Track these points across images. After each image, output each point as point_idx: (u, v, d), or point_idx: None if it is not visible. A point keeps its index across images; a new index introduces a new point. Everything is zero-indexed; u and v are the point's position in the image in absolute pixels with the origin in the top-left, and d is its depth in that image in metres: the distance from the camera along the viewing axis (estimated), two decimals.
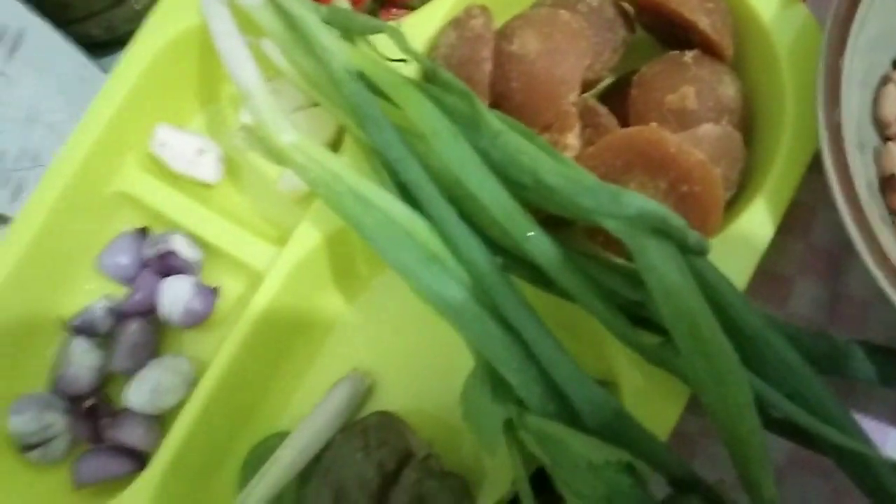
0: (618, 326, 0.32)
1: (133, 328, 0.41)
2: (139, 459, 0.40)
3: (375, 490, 0.35)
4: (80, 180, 0.40)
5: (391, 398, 0.41)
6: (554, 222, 0.33)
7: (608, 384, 0.35)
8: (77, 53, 0.46)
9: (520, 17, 0.37)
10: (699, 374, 0.29)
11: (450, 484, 0.36)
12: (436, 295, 0.33)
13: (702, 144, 0.34)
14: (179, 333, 0.43)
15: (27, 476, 0.40)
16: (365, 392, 0.40)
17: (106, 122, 0.40)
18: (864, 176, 0.33)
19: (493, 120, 0.32)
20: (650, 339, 0.33)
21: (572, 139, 0.35)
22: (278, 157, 0.36)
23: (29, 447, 0.39)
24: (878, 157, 0.35)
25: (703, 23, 0.35)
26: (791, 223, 0.36)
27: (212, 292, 0.42)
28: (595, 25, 0.37)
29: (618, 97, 0.38)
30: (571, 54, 0.35)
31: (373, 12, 0.44)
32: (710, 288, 0.30)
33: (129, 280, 0.42)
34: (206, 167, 0.43)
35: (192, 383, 0.40)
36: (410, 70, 0.37)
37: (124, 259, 0.42)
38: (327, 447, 0.38)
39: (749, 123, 0.38)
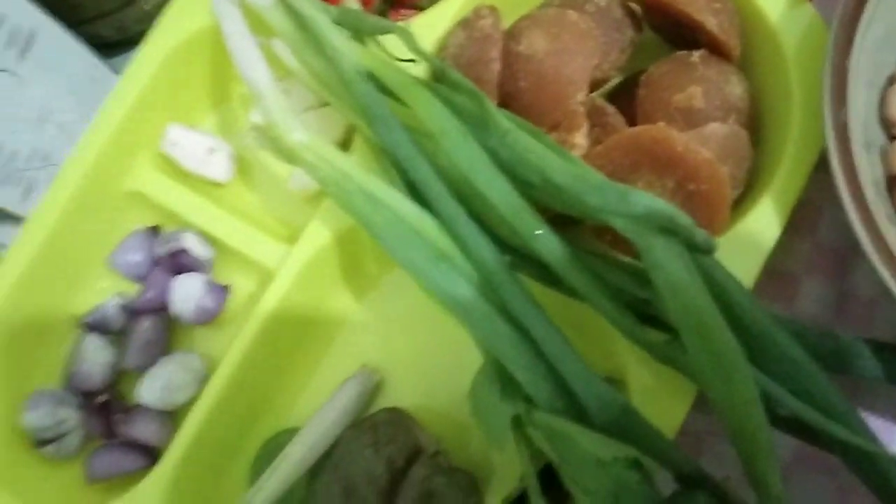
0: (625, 324, 0.33)
1: (145, 325, 0.41)
2: (151, 455, 0.40)
3: (384, 486, 0.35)
4: (92, 179, 0.40)
5: (400, 395, 0.41)
6: (561, 221, 0.33)
7: (616, 382, 0.35)
8: (88, 54, 0.46)
9: (528, 18, 0.37)
10: (706, 372, 0.29)
11: (458, 480, 0.36)
12: (444, 293, 0.33)
13: (709, 143, 0.34)
14: (191, 331, 0.43)
15: (41, 470, 0.40)
16: (374, 389, 0.40)
17: (118, 122, 0.40)
18: (870, 175, 0.33)
19: (502, 119, 0.32)
20: (657, 336, 0.33)
21: (580, 138, 0.35)
22: (289, 156, 0.36)
23: (43, 442, 0.40)
24: (884, 157, 0.35)
25: (711, 23, 0.36)
26: (798, 222, 0.36)
27: (223, 290, 0.42)
28: (603, 25, 0.37)
29: (625, 97, 0.38)
30: (579, 54, 0.35)
31: (382, 13, 0.44)
32: (717, 286, 0.30)
33: (141, 278, 0.43)
34: (217, 166, 0.43)
35: (204, 380, 0.40)
36: (419, 70, 0.38)
37: (136, 257, 0.43)
38: (337, 443, 0.38)
39: (756, 123, 0.38)
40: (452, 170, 0.33)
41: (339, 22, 0.36)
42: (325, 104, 0.42)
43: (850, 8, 0.33)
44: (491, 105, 0.33)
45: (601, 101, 0.37)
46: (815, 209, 0.39)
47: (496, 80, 0.36)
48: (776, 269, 0.38)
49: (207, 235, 0.42)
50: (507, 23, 0.38)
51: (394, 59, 0.37)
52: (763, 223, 0.35)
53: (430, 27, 0.39)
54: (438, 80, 0.36)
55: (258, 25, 0.37)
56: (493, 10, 0.37)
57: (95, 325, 0.41)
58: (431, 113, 0.33)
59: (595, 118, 0.36)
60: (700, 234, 0.29)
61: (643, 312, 0.33)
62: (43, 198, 0.40)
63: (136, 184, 0.42)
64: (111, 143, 0.40)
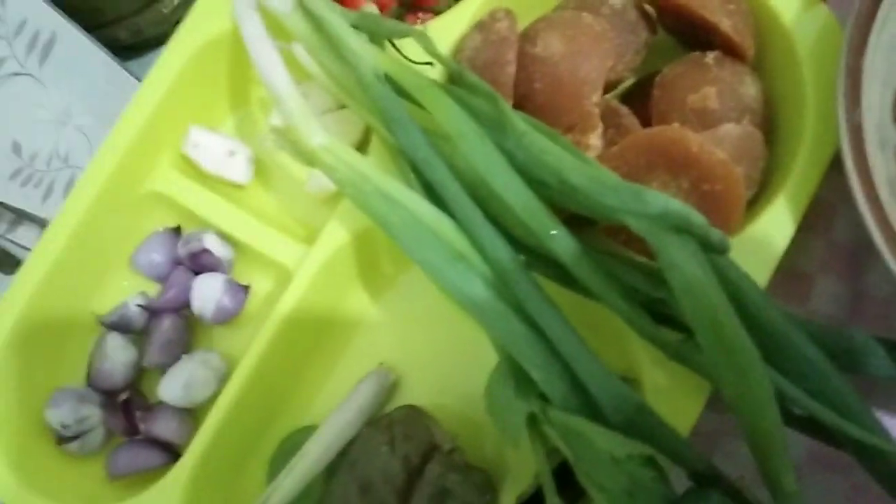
0: (640, 323, 0.33)
1: (166, 324, 0.42)
2: (172, 452, 0.41)
3: (401, 484, 0.36)
4: (115, 180, 0.41)
5: (416, 393, 0.41)
6: (576, 222, 0.33)
7: (630, 381, 0.35)
8: (106, 57, 0.47)
9: (543, 20, 0.38)
10: (721, 370, 0.30)
11: (473, 478, 0.36)
12: (461, 292, 0.34)
13: (723, 144, 0.34)
14: (210, 330, 0.43)
15: (64, 467, 0.41)
16: (390, 387, 0.41)
17: (141, 124, 0.41)
18: (884, 174, 0.33)
19: (518, 121, 0.33)
20: (672, 336, 0.33)
21: (595, 139, 0.35)
22: (308, 158, 0.37)
23: (66, 439, 0.40)
24: None
25: (725, 24, 0.36)
26: (812, 221, 0.36)
27: (242, 290, 0.42)
28: (617, 27, 0.38)
29: (640, 98, 0.38)
30: (594, 56, 0.36)
31: (399, 16, 0.45)
32: (732, 285, 0.31)
33: (162, 278, 0.43)
34: (237, 168, 0.43)
35: (223, 378, 0.41)
36: (436, 73, 0.38)
37: (158, 257, 0.43)
38: (354, 441, 0.38)
39: (770, 123, 0.38)
40: (469, 171, 0.34)
41: (357, 26, 0.36)
42: (343, 107, 0.42)
43: (865, 8, 0.33)
44: (507, 107, 0.33)
45: (615, 103, 0.38)
46: (829, 208, 0.39)
47: (512, 82, 0.36)
48: (790, 269, 0.38)
49: (227, 236, 0.43)
50: (522, 25, 0.38)
51: (411, 63, 0.37)
52: (777, 223, 0.35)
53: (446, 30, 0.39)
54: (455, 82, 0.36)
55: (277, 30, 0.37)
56: (508, 12, 0.38)
57: (117, 325, 0.42)
58: (448, 115, 0.34)
59: (609, 119, 0.37)
60: (715, 234, 0.29)
61: (658, 312, 0.33)
62: (66, 199, 0.40)
63: (157, 185, 0.43)
64: (134, 145, 0.41)
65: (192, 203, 0.43)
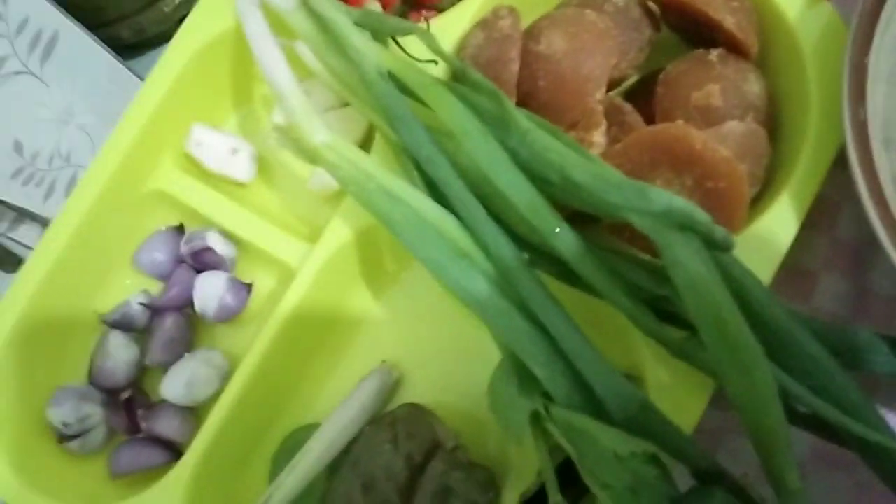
0: (643, 321, 0.33)
1: (168, 323, 0.42)
2: (174, 450, 0.41)
3: (403, 481, 0.36)
4: (118, 179, 0.41)
5: (419, 391, 0.41)
6: (580, 219, 0.33)
7: (633, 378, 0.35)
8: (108, 56, 0.47)
9: (546, 18, 0.38)
10: (724, 368, 0.29)
11: (476, 475, 0.36)
12: (464, 290, 0.34)
13: (727, 141, 0.34)
14: (213, 328, 0.43)
15: (66, 466, 0.41)
16: (393, 385, 0.41)
17: (143, 123, 0.41)
18: (889, 172, 0.33)
19: (522, 118, 0.33)
20: (676, 333, 0.33)
21: (598, 137, 0.35)
22: (311, 156, 0.37)
23: (67, 438, 0.40)
24: None
25: (728, 21, 0.36)
26: (816, 219, 0.36)
27: (245, 288, 0.42)
28: (621, 25, 0.38)
29: (643, 96, 0.38)
30: (598, 53, 0.36)
31: (402, 14, 0.45)
32: (736, 283, 0.31)
33: (164, 276, 0.43)
34: (240, 166, 0.43)
35: (226, 377, 0.41)
36: (439, 71, 0.38)
37: (160, 255, 0.43)
38: (356, 439, 0.38)
39: (774, 120, 0.38)
40: (472, 168, 0.34)
41: (360, 23, 0.36)
42: (346, 105, 0.42)
43: (869, 5, 0.33)
44: (510, 104, 0.33)
45: (619, 100, 0.37)
46: (833, 206, 0.39)
47: (515, 80, 0.36)
48: (794, 266, 0.38)
49: (230, 234, 0.43)
50: (525, 23, 0.38)
51: (414, 60, 0.37)
52: (781, 220, 0.35)
53: (449, 28, 0.39)
54: (458, 80, 0.36)
55: (280, 27, 0.37)
56: (511, 10, 0.38)
57: (119, 323, 0.42)
58: (452, 113, 0.33)
59: (613, 117, 0.37)
60: (719, 231, 0.29)
61: (661, 309, 0.33)
62: (68, 197, 0.40)
63: (160, 183, 0.43)
64: (137, 143, 0.41)
65: (195, 201, 0.43)
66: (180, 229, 0.44)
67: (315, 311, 0.40)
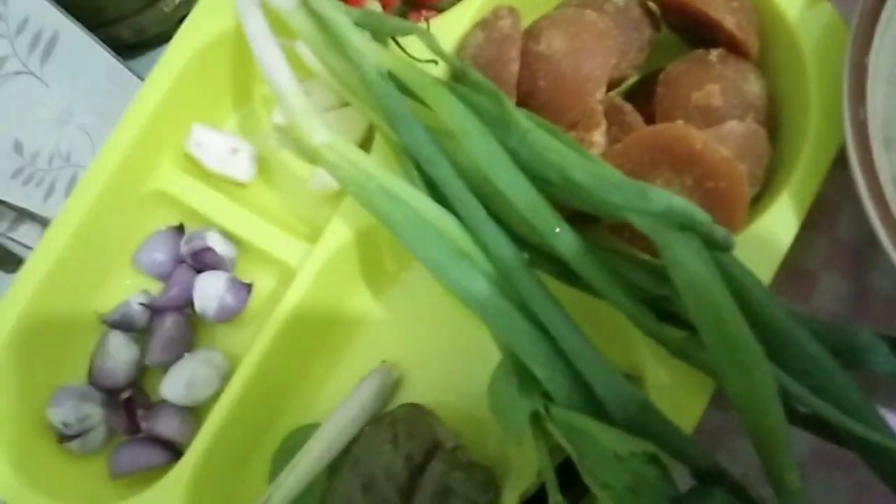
0: (643, 321, 0.33)
1: (168, 323, 0.42)
2: (174, 450, 0.41)
3: (403, 481, 0.36)
4: (118, 179, 0.41)
5: (419, 391, 0.41)
6: (579, 219, 0.33)
7: (633, 378, 0.35)
8: (108, 56, 0.47)
9: (546, 18, 0.38)
10: (725, 367, 0.29)
11: (476, 475, 0.36)
12: (464, 290, 0.34)
13: (727, 141, 0.34)
14: (213, 328, 0.43)
15: (66, 466, 0.41)
16: (393, 385, 0.41)
17: (143, 123, 0.41)
18: (889, 172, 0.33)
19: (522, 118, 0.33)
20: (676, 333, 0.33)
21: (598, 137, 0.35)
22: (311, 156, 0.37)
23: (67, 438, 0.40)
24: None
25: (728, 21, 0.36)
26: (816, 218, 0.36)
27: (245, 288, 0.42)
28: (621, 25, 0.38)
29: (643, 96, 0.38)
30: (598, 53, 0.36)
31: (402, 14, 0.45)
32: (736, 282, 0.30)
33: (164, 276, 0.43)
34: (240, 166, 0.43)
35: (226, 377, 0.41)
36: (439, 71, 0.38)
37: (160, 255, 0.43)
38: (356, 439, 0.38)
39: (774, 120, 0.38)
40: (472, 168, 0.34)
41: (360, 23, 0.36)
42: (346, 105, 0.42)
43: (869, 5, 0.33)
44: (510, 104, 0.33)
45: (619, 100, 0.37)
46: (833, 206, 0.39)
47: (515, 80, 0.36)
48: (794, 266, 0.38)
49: (230, 234, 0.43)
50: (525, 23, 0.38)
51: (414, 60, 0.37)
52: (781, 220, 0.35)
53: (449, 28, 0.39)
54: (458, 80, 0.36)
55: (280, 27, 0.37)
56: (511, 10, 0.38)
57: (119, 323, 0.42)
58: (452, 113, 0.33)
59: (613, 117, 0.37)
60: (719, 231, 0.29)
61: (661, 309, 0.33)
62: (68, 197, 0.40)
63: (160, 183, 0.43)
64: (137, 143, 0.41)
65: (195, 201, 0.43)
66: (180, 229, 0.44)
67: (315, 311, 0.40)
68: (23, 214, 0.44)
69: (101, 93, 0.46)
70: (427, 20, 0.40)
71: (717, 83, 0.36)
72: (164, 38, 0.47)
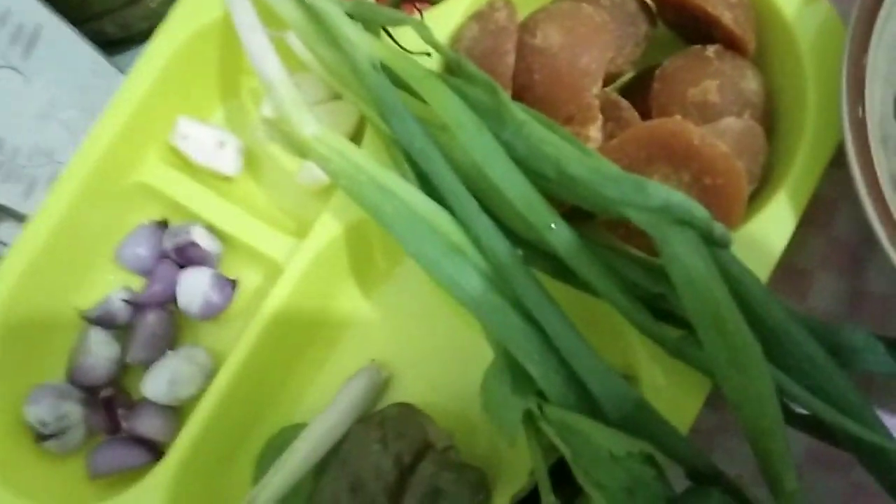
0: (639, 319, 0.32)
1: (151, 319, 0.41)
2: (155, 450, 0.40)
3: (392, 482, 0.35)
4: (100, 172, 0.40)
5: (409, 391, 0.41)
6: (575, 216, 0.33)
7: (629, 377, 0.35)
8: (92, 51, 0.46)
9: (542, 11, 0.37)
10: (722, 366, 0.29)
11: (467, 476, 0.36)
12: (457, 285, 0.33)
13: (724, 138, 0.34)
14: (197, 325, 0.43)
15: (43, 466, 0.40)
16: (382, 384, 0.40)
17: (128, 114, 0.40)
18: (887, 171, 0.33)
19: (517, 111, 0.32)
20: (672, 332, 0.33)
21: (594, 132, 0.35)
22: (300, 149, 0.36)
23: (45, 437, 0.39)
24: None
25: (726, 17, 0.36)
26: (812, 217, 0.36)
27: (230, 284, 0.42)
28: (617, 19, 0.37)
29: (639, 91, 0.38)
30: (594, 47, 0.35)
31: (396, 5, 0.44)
32: (733, 280, 0.30)
33: (147, 271, 0.42)
34: (227, 160, 0.43)
35: (210, 375, 0.40)
36: (433, 63, 0.38)
37: (143, 250, 0.42)
38: (344, 439, 0.37)
39: (771, 118, 0.38)
40: (466, 162, 0.33)
41: (352, 14, 0.36)
42: (336, 98, 0.42)
43: (867, 3, 0.33)
44: (506, 97, 0.33)
45: (615, 96, 0.37)
46: (829, 204, 0.39)
47: (510, 73, 0.36)
48: (790, 265, 0.38)
49: (215, 229, 0.42)
50: (521, 16, 0.38)
51: (407, 52, 0.36)
52: (778, 218, 0.35)
53: (443, 19, 0.39)
54: (453, 72, 0.36)
55: (270, 18, 0.37)
56: (507, 2, 0.37)
57: (100, 319, 0.41)
58: (446, 105, 0.33)
59: (609, 112, 0.36)
60: (717, 227, 0.29)
61: (657, 307, 0.33)
62: (50, 190, 0.40)
63: (144, 176, 0.42)
64: (120, 136, 0.40)
65: (180, 195, 0.42)
66: (164, 224, 0.43)
67: (302, 308, 0.39)
68: (2, 212, 0.43)
69: (84, 88, 0.46)
70: (420, 11, 0.40)
71: (715, 79, 0.36)
72: (149, 33, 0.47)
